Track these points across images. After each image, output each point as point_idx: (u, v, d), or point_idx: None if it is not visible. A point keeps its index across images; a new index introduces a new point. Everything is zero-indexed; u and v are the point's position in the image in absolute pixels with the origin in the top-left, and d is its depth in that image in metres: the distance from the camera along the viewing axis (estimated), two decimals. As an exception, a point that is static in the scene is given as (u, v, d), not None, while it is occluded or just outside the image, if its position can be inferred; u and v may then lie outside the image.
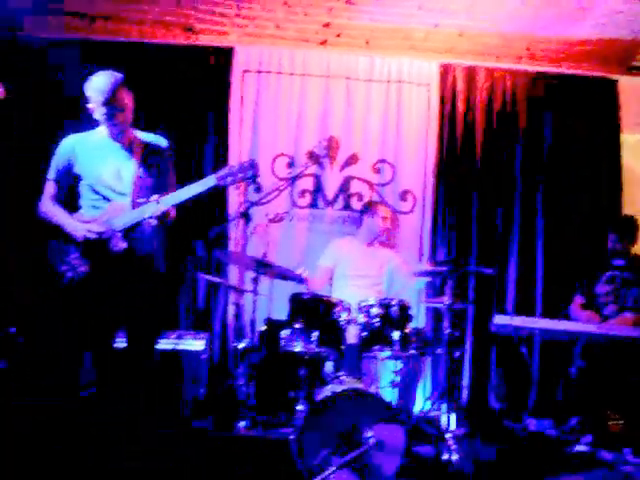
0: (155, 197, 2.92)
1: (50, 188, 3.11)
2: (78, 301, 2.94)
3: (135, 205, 2.97)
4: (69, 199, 3.10)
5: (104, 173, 3.03)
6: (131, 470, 2.76)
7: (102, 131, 3.10)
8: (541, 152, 5.09)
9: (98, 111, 2.99)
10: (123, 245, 2.95)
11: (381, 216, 4.63)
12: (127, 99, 3.01)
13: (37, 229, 3.08)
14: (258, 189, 4.90)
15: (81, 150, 3.07)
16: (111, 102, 2.95)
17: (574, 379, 4.05)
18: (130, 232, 2.96)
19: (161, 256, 3.14)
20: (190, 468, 2.95)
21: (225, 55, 4.94)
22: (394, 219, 4.89)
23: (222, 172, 2.98)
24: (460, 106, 5.07)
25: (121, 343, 3.10)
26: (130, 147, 3.08)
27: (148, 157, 3.09)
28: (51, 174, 3.10)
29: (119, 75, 3.00)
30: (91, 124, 3.16)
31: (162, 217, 2.93)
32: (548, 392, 4.66)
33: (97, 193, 3.04)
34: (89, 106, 3.01)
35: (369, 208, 4.70)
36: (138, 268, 3.01)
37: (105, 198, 3.03)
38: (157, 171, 3.09)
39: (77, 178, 3.08)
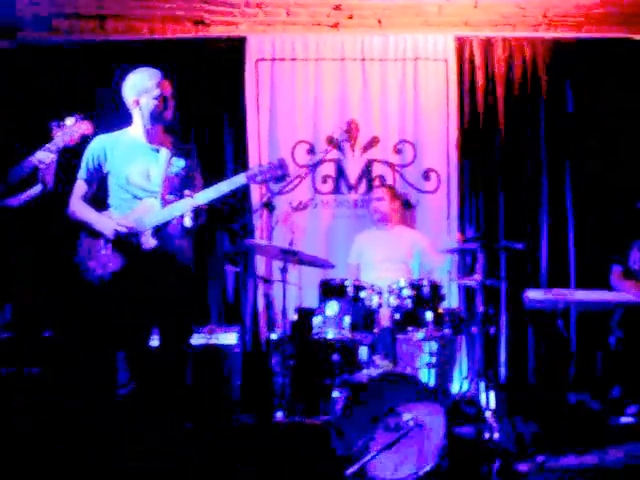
0: (188, 192, 2.93)
1: (80, 187, 3.12)
2: (109, 299, 2.95)
3: (165, 203, 2.97)
4: (99, 198, 3.11)
5: (133, 173, 3.03)
6: (171, 468, 2.77)
7: (133, 131, 3.11)
8: (565, 120, 4.96)
9: (145, 106, 3.00)
10: (153, 242, 2.95)
11: (375, 197, 4.62)
12: (170, 92, 3.04)
13: (67, 228, 3.09)
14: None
15: (111, 150, 3.08)
16: (159, 96, 2.98)
17: (614, 349, 3.98)
18: (160, 230, 2.96)
19: (189, 251, 3.14)
20: (232, 459, 2.95)
21: (237, 45, 4.89)
22: (393, 197, 4.70)
23: (252, 171, 3.01)
24: (479, 79, 4.95)
25: (155, 341, 3.11)
26: (160, 146, 3.08)
27: (177, 156, 3.09)
28: (81, 173, 3.11)
29: (158, 71, 3.02)
30: (113, 125, 3.16)
31: (196, 216, 2.93)
32: (587, 365, 4.60)
33: (127, 192, 3.04)
34: (130, 104, 3.02)
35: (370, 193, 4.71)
36: (168, 265, 3.00)
37: (135, 197, 3.03)
38: (185, 170, 3.10)
39: (106, 177, 3.09)
